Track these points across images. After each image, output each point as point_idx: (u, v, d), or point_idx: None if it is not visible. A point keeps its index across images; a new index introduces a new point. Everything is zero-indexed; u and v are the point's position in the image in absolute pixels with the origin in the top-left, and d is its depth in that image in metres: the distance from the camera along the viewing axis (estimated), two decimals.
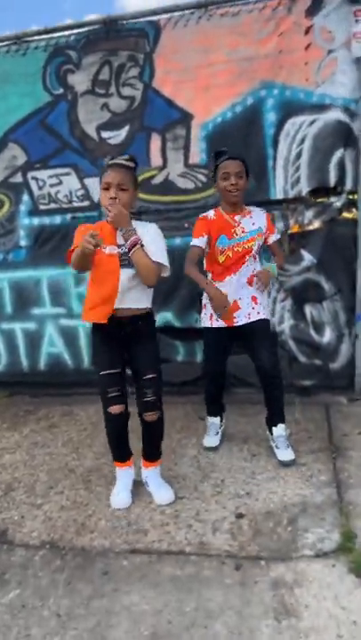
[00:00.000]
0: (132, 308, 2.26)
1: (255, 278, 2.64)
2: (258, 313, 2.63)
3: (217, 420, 2.92)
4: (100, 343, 2.34)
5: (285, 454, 2.62)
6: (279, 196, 3.25)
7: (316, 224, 3.25)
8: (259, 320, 2.63)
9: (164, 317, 3.55)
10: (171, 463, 2.72)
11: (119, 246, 2.23)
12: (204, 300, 2.71)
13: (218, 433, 2.90)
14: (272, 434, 2.72)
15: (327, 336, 3.31)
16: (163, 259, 2.23)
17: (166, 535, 2.12)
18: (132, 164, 2.24)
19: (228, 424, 3.04)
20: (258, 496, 2.34)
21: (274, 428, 2.70)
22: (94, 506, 2.40)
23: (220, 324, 2.63)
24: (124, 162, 2.22)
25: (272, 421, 2.72)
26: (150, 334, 2.38)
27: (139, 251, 2.16)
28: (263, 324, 2.65)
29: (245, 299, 2.64)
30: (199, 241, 2.61)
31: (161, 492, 2.41)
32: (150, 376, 2.30)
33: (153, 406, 2.31)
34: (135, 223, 2.29)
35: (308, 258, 3.22)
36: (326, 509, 2.18)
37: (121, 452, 2.46)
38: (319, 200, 3.24)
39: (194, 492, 2.43)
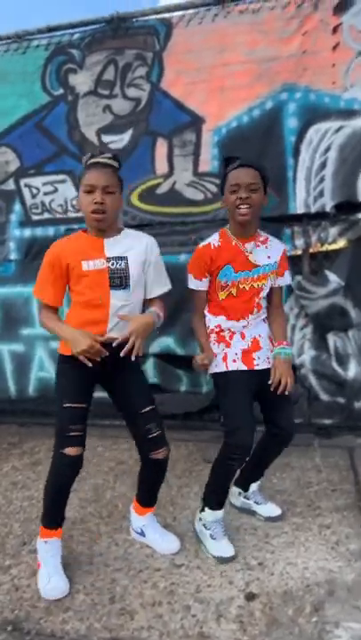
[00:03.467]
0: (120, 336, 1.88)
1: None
2: None
3: (222, 512, 2.07)
4: (70, 368, 1.90)
5: (274, 509, 2.24)
6: (300, 210, 2.88)
7: (341, 242, 2.88)
8: None
9: (165, 344, 3.16)
10: (169, 517, 2.30)
11: (108, 260, 1.87)
12: (212, 344, 2.11)
13: (225, 533, 2.06)
14: (246, 490, 2.27)
15: (352, 370, 2.89)
16: (168, 284, 2.05)
17: (158, 620, 1.69)
18: (116, 164, 1.91)
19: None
20: (273, 569, 1.90)
21: (253, 484, 2.27)
22: (72, 572, 1.95)
23: (239, 365, 2.02)
24: (107, 161, 1.88)
25: (253, 479, 2.27)
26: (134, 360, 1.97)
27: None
28: None
29: (264, 337, 2.10)
30: (202, 284, 2.06)
31: (167, 541, 2.05)
32: (149, 408, 1.94)
33: (161, 442, 1.95)
34: (128, 232, 1.98)
35: (333, 279, 2.83)
36: (360, 593, 1.74)
37: (59, 514, 1.92)
38: (345, 216, 2.87)
39: (194, 558, 2.00)
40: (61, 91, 3.18)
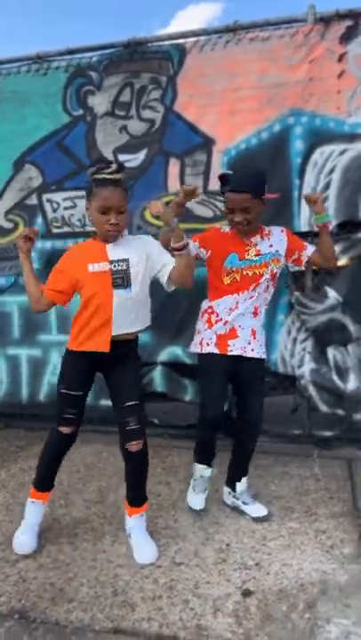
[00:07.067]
0: (127, 332, 2.09)
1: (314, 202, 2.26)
2: (252, 350, 2.29)
3: (208, 471, 2.40)
4: (74, 362, 2.15)
5: (259, 509, 2.37)
6: (304, 228, 3.00)
7: (343, 260, 2.99)
8: (255, 360, 2.30)
9: (173, 353, 3.27)
10: (170, 519, 2.39)
11: (111, 262, 2.03)
12: (200, 324, 2.37)
13: (206, 490, 2.44)
14: (235, 490, 2.42)
15: (351, 383, 2.98)
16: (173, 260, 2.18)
17: (158, 612, 1.78)
18: (120, 177, 1.99)
19: None
20: (269, 569, 1.98)
21: (238, 484, 2.42)
22: (77, 567, 2.06)
23: (212, 349, 2.26)
24: (116, 176, 1.97)
25: (236, 477, 2.43)
26: (133, 357, 2.19)
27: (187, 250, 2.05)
28: (258, 366, 2.34)
29: (246, 329, 2.28)
30: (193, 246, 2.27)
31: (142, 550, 2.11)
32: (133, 403, 2.12)
33: (138, 434, 2.12)
34: (129, 237, 2.14)
35: (333, 296, 2.94)
36: (352, 593, 1.82)
37: (48, 479, 2.26)
38: (347, 235, 2.99)
39: (194, 557, 2.09)
40: (81, 111, 3.35)
